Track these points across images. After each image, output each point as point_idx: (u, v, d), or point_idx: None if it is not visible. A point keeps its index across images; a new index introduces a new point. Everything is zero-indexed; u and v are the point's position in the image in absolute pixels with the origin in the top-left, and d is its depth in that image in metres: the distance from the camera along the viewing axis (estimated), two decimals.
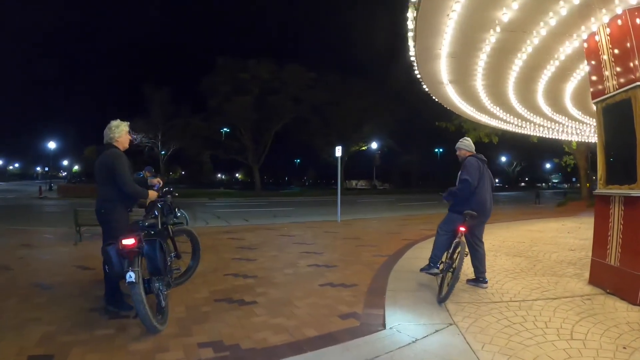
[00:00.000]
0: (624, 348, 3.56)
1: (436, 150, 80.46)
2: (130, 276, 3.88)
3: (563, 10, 5.20)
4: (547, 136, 18.52)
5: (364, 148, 57.33)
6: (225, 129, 50.05)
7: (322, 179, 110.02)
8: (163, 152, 50.46)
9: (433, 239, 5.84)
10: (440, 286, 5.18)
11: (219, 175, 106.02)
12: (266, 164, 52.35)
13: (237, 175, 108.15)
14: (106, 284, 4.73)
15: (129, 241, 3.99)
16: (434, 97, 10.92)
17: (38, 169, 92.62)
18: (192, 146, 49.73)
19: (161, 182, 5.39)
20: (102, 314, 4.55)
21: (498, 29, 5.77)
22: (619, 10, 4.99)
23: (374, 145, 57.95)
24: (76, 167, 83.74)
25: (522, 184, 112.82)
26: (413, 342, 3.79)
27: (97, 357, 3.43)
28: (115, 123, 4.95)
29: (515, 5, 5.13)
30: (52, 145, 51.73)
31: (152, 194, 4.99)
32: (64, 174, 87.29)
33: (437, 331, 4.06)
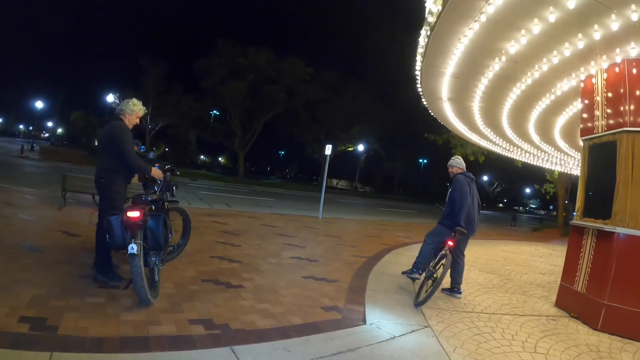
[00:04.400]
0: None
1: (420, 160, 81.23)
2: (133, 248, 3.96)
3: (567, 51, 5.52)
4: (531, 162, 18.98)
5: (350, 149, 57.47)
6: (215, 112, 49.80)
7: (304, 174, 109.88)
8: (150, 127, 49.96)
9: (410, 246, 6.15)
10: (419, 291, 5.46)
11: (202, 156, 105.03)
12: (251, 151, 52.11)
13: (220, 159, 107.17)
14: (98, 253, 4.79)
15: (134, 213, 4.08)
16: (429, 111, 11.18)
17: (21, 127, 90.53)
18: (180, 125, 49.40)
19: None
20: (91, 282, 4.61)
21: (504, 58, 6.06)
22: (618, 59, 5.37)
23: (361, 147, 58.07)
24: (60, 130, 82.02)
25: (500, 205, 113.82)
26: (391, 338, 4.08)
27: (90, 324, 3.51)
28: (135, 100, 5.08)
29: (524, 40, 5.41)
30: (39, 104, 50.67)
31: (157, 173, 5.06)
32: (47, 135, 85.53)
33: (413, 331, 4.35)
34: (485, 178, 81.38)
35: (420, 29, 6.08)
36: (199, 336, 3.60)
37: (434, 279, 5.37)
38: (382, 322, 4.49)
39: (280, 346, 3.60)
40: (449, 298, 5.87)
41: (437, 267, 5.50)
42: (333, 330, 4.11)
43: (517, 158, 18.18)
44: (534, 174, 32.94)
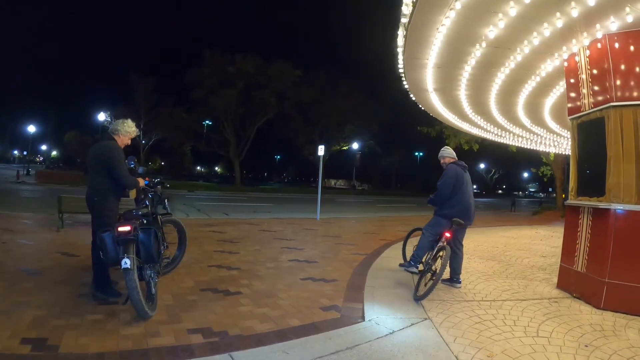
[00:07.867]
0: (586, 346, 3.87)
1: (416, 153, 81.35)
2: (126, 262, 3.99)
3: (547, 31, 5.51)
4: (525, 146, 19.00)
5: (345, 148, 57.44)
6: (208, 122, 49.82)
7: (301, 177, 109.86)
8: (144, 142, 49.93)
9: (410, 239, 6.11)
10: (418, 284, 5.43)
11: (199, 167, 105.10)
12: (246, 158, 52.16)
13: (216, 168, 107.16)
14: (95, 270, 4.79)
15: (125, 228, 4.12)
16: (418, 104, 11.17)
17: (16, 152, 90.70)
18: (174, 137, 49.32)
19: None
20: (91, 299, 4.61)
21: (484, 44, 6.06)
22: (599, 35, 5.35)
23: (355, 145, 58.03)
24: (55, 153, 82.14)
25: (499, 191, 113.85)
26: (390, 333, 4.06)
27: (90, 341, 3.52)
28: (130, 122, 5.13)
29: (501, 24, 5.40)
30: (31, 129, 50.83)
31: (140, 180, 5.10)
32: (41, 158, 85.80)
33: (412, 324, 4.33)
34: (482, 166, 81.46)
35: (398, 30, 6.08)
36: (198, 345, 3.59)
37: (432, 272, 5.34)
38: (382, 318, 4.47)
39: (278, 349, 3.58)
40: (449, 288, 5.85)
41: (435, 260, 5.47)
42: (331, 330, 4.09)
43: (511, 143, 18.20)
44: (530, 158, 33.04)
